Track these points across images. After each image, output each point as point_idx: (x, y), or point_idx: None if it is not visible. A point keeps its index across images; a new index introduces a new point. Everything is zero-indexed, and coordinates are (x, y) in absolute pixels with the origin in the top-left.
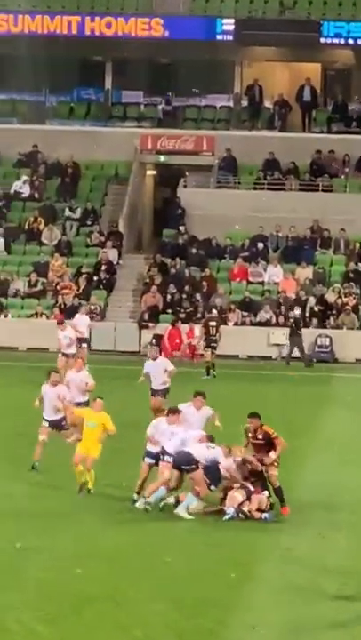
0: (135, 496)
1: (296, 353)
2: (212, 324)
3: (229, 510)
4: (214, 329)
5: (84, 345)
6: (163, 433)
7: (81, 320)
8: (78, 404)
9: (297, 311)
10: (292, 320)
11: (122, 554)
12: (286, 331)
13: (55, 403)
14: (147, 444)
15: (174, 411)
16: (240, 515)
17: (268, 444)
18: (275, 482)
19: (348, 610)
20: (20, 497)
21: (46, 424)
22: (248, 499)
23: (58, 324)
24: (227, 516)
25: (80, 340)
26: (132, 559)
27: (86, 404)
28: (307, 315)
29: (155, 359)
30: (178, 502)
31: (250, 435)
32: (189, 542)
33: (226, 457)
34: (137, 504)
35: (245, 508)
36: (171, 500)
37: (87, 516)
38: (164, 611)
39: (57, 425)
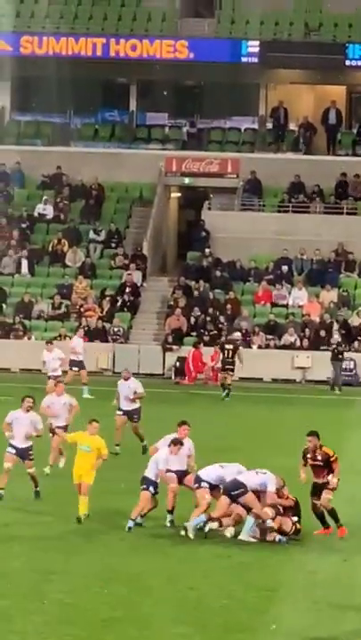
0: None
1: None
2: (228, 347)
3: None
4: (230, 352)
5: (75, 368)
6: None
7: (78, 342)
8: (58, 428)
9: (336, 336)
10: (334, 345)
11: (145, 577)
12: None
13: (27, 429)
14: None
15: (176, 442)
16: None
17: (326, 466)
18: (327, 505)
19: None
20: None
21: (13, 451)
22: (274, 517)
23: (47, 343)
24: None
25: (73, 363)
26: (155, 582)
27: (65, 428)
28: (336, 339)
29: (126, 379)
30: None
31: (309, 455)
32: (213, 566)
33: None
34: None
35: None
36: (214, 525)
37: (108, 538)
38: (188, 634)
39: (23, 454)
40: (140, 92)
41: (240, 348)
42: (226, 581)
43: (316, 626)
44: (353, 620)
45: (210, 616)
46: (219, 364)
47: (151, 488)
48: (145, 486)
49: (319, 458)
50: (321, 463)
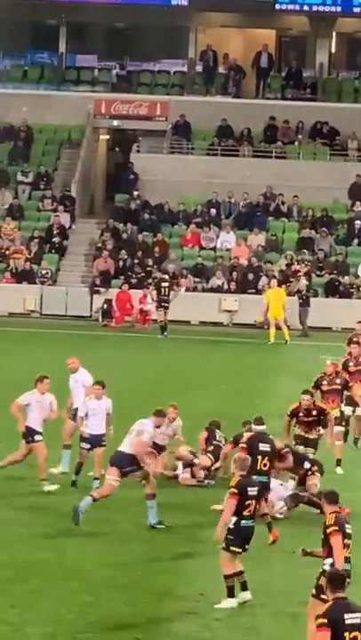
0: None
1: (247, 319)
2: (165, 284)
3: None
4: (167, 289)
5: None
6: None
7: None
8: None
9: (303, 281)
10: (303, 291)
11: (69, 519)
12: (239, 297)
13: (45, 414)
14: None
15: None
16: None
17: (319, 421)
18: (313, 490)
19: (295, 571)
20: None
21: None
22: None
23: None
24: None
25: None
26: (80, 526)
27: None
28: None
29: (99, 399)
30: None
31: (302, 413)
32: (140, 510)
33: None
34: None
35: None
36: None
37: (33, 482)
38: (113, 576)
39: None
40: (69, 33)
41: (175, 285)
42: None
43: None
44: (278, 562)
45: (134, 559)
46: (148, 306)
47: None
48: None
49: (314, 413)
50: (316, 418)
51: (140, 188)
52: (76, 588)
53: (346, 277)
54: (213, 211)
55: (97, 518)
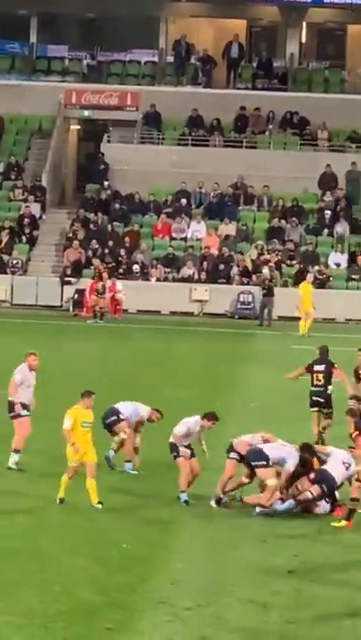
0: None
1: (218, 309)
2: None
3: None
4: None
5: None
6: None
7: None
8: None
9: (266, 270)
10: (267, 280)
11: (44, 509)
12: (209, 287)
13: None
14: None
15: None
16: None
17: None
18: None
19: (266, 561)
20: None
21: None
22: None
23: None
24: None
25: None
26: (54, 515)
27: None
28: (233, 272)
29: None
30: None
31: None
32: (113, 499)
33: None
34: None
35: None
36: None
37: (7, 472)
38: (86, 566)
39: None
40: (40, 23)
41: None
42: (126, 515)
43: (213, 556)
44: (249, 551)
45: (108, 549)
46: (119, 295)
47: None
48: None
49: None
50: None
51: (111, 178)
52: (48, 579)
53: (316, 267)
54: (184, 201)
55: (71, 507)
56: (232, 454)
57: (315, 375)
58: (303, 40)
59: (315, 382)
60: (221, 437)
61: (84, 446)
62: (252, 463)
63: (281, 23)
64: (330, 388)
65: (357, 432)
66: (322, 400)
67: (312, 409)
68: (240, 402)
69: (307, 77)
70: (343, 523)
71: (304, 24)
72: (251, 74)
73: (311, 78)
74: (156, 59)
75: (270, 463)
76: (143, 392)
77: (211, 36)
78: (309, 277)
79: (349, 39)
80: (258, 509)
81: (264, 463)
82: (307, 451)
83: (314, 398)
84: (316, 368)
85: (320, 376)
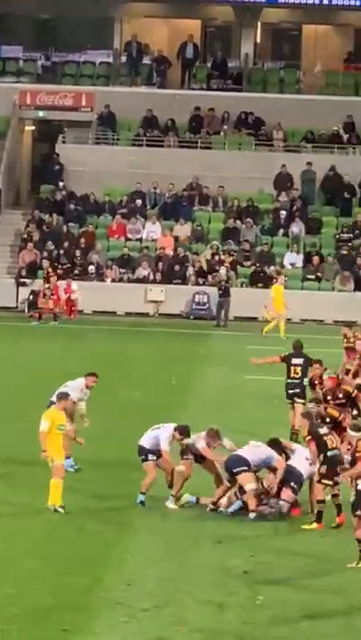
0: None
1: (173, 310)
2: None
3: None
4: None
5: None
6: None
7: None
8: None
9: (222, 271)
10: (224, 281)
11: None
12: (165, 287)
13: None
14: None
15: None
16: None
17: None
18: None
19: (222, 562)
20: None
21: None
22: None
23: None
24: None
25: None
26: (6, 517)
27: None
28: (189, 273)
29: None
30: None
31: (329, 397)
32: (66, 499)
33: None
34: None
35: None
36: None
37: None
38: (40, 568)
39: None
40: None
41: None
42: (80, 515)
43: (169, 556)
44: (205, 552)
45: (61, 550)
46: (75, 296)
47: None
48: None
49: (341, 395)
50: (344, 401)
51: (66, 179)
52: (1, 581)
53: (271, 267)
54: (139, 201)
55: (25, 509)
56: (187, 455)
57: (292, 368)
58: (258, 40)
59: (292, 375)
60: None
61: (56, 448)
62: (234, 470)
63: (235, 23)
64: (305, 380)
65: (310, 437)
66: (298, 390)
67: (288, 400)
68: (195, 401)
69: (262, 77)
70: (314, 525)
71: (259, 24)
72: (205, 74)
73: (266, 78)
74: (110, 59)
75: (252, 467)
76: (99, 393)
77: (165, 37)
78: (281, 279)
79: (304, 39)
80: (252, 515)
81: (245, 468)
82: (275, 446)
83: (290, 391)
84: (295, 361)
85: (298, 369)
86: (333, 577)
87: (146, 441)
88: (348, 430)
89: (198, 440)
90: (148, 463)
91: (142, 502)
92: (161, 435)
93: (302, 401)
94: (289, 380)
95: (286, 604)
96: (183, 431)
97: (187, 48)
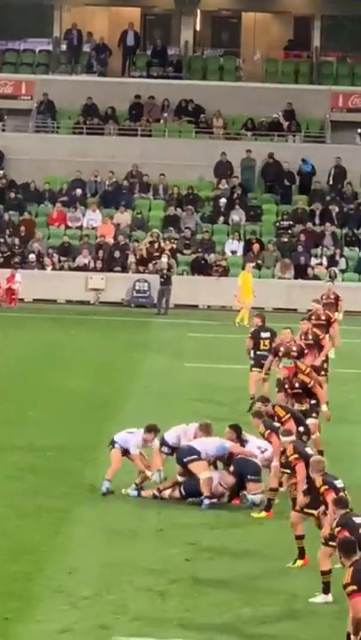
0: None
1: (114, 297)
2: None
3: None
4: None
5: None
6: None
7: None
8: None
9: (164, 259)
10: (165, 269)
11: None
12: (105, 275)
13: None
14: None
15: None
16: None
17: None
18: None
19: (163, 550)
20: None
21: None
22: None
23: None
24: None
25: None
26: None
27: None
28: (129, 261)
29: None
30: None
31: (286, 385)
32: (7, 488)
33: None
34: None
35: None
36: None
37: None
38: None
39: None
40: None
41: None
42: (19, 503)
43: (110, 545)
44: (147, 541)
45: (2, 538)
46: (16, 285)
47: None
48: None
49: (297, 385)
50: (300, 390)
51: (6, 167)
52: None
53: (212, 255)
54: (79, 190)
55: None
56: (163, 448)
57: (262, 341)
58: (198, 28)
59: (261, 347)
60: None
61: None
62: (184, 459)
63: (175, 11)
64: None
65: (269, 431)
66: (264, 362)
67: (255, 369)
68: (137, 388)
69: (201, 65)
70: (263, 514)
71: (198, 12)
72: (145, 62)
73: (206, 66)
74: (50, 47)
75: (202, 457)
76: (40, 382)
77: (105, 25)
78: (248, 267)
79: (244, 27)
80: (207, 502)
81: (195, 457)
82: (236, 429)
83: (262, 361)
84: (264, 335)
85: (267, 342)
86: (275, 564)
87: (118, 437)
88: (280, 435)
89: (198, 437)
90: (114, 450)
91: (108, 489)
92: (131, 440)
93: (265, 375)
94: (259, 352)
95: (227, 591)
96: (152, 429)
97: (127, 36)
